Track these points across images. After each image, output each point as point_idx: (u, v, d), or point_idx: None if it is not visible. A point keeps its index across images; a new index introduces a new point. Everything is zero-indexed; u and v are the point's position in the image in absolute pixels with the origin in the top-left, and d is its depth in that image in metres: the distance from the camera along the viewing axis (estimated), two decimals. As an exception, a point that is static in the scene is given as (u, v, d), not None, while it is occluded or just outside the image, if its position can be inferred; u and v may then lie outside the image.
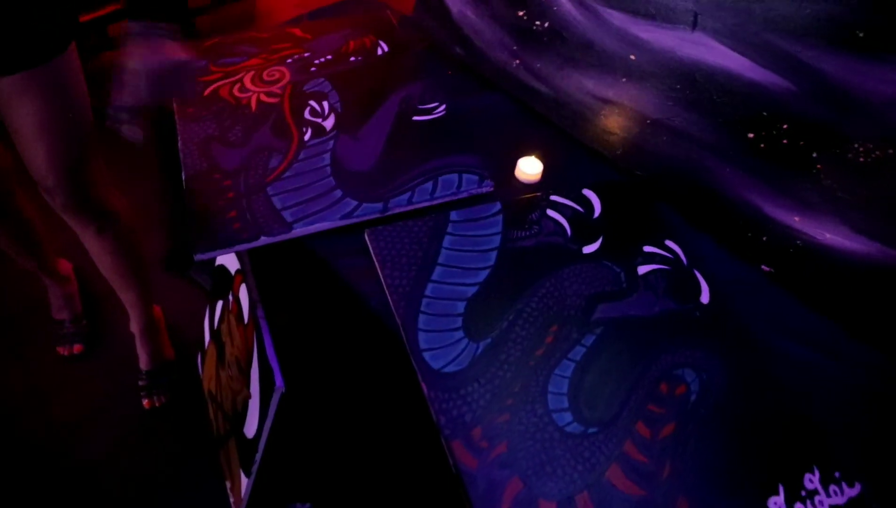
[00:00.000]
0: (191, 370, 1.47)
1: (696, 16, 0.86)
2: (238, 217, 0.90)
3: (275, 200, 0.92)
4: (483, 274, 0.85)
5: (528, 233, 0.90)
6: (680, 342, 0.82)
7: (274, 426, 0.99)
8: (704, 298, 0.87)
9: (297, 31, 1.22)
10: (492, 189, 0.96)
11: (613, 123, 1.00)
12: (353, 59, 1.16)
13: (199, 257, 0.87)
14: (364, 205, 0.92)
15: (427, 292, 0.83)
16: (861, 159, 0.80)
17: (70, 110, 0.98)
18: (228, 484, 1.30)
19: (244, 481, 1.17)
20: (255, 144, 1.00)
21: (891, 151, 0.77)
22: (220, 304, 1.29)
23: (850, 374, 0.85)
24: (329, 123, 1.03)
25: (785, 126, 0.84)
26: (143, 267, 1.31)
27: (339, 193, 0.93)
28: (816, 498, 0.73)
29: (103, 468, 1.33)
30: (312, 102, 1.06)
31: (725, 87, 0.88)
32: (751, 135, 0.88)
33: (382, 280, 0.84)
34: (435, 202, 0.94)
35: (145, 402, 1.46)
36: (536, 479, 0.70)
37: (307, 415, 1.02)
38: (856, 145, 0.80)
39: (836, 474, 0.74)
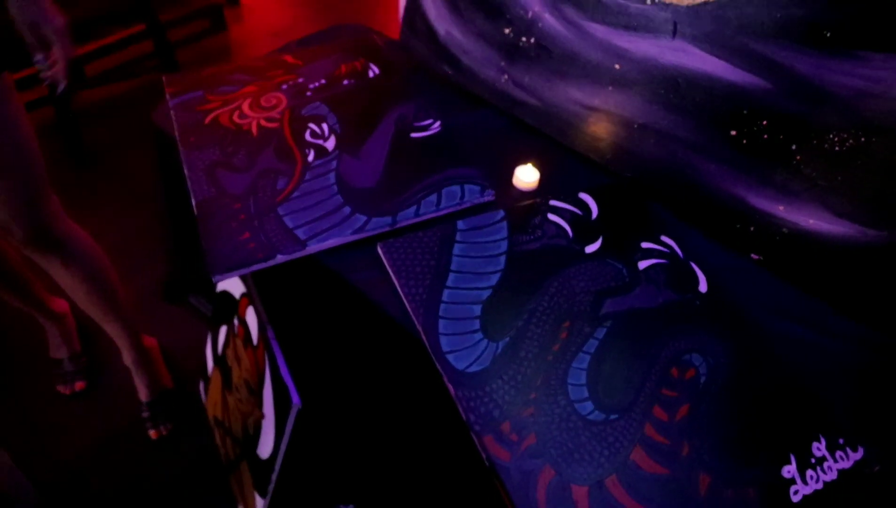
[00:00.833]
0: (193, 397, 1.48)
1: (675, 25, 0.93)
2: (252, 238, 0.93)
3: (286, 219, 0.95)
4: (495, 278, 0.90)
5: (532, 237, 0.95)
6: (685, 330, 0.87)
7: (294, 443, 1.01)
8: (702, 287, 0.93)
9: (289, 58, 1.26)
10: (493, 198, 1.01)
11: (602, 129, 1.06)
12: (346, 82, 1.21)
13: (217, 278, 0.89)
14: (373, 219, 0.96)
15: (444, 298, 0.87)
16: (837, 148, 0.86)
17: (9, 145, 1.02)
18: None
19: (259, 502, 1.19)
20: (261, 167, 1.03)
21: (863, 139, 0.84)
22: (223, 329, 1.30)
23: (840, 347, 0.91)
24: (330, 144, 1.07)
25: (764, 122, 0.91)
26: (118, 297, 1.32)
27: (347, 209, 0.97)
28: (825, 464, 0.78)
29: (116, 502, 1.33)
30: (312, 125, 1.10)
31: (707, 89, 0.94)
32: (733, 132, 0.94)
33: (399, 290, 0.88)
34: (441, 213, 0.98)
35: (151, 433, 1.47)
36: (566, 466, 0.74)
37: (328, 428, 1.05)
38: (831, 136, 0.86)
39: (840, 440, 0.80)
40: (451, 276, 0.89)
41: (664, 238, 0.98)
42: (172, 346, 1.57)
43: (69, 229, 1.19)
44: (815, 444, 0.79)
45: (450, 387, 0.79)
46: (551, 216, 0.98)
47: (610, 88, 1.03)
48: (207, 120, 1.11)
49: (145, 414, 1.46)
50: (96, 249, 1.25)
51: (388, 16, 2.83)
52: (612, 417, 0.78)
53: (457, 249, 0.92)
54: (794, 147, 0.90)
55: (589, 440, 0.76)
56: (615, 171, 1.07)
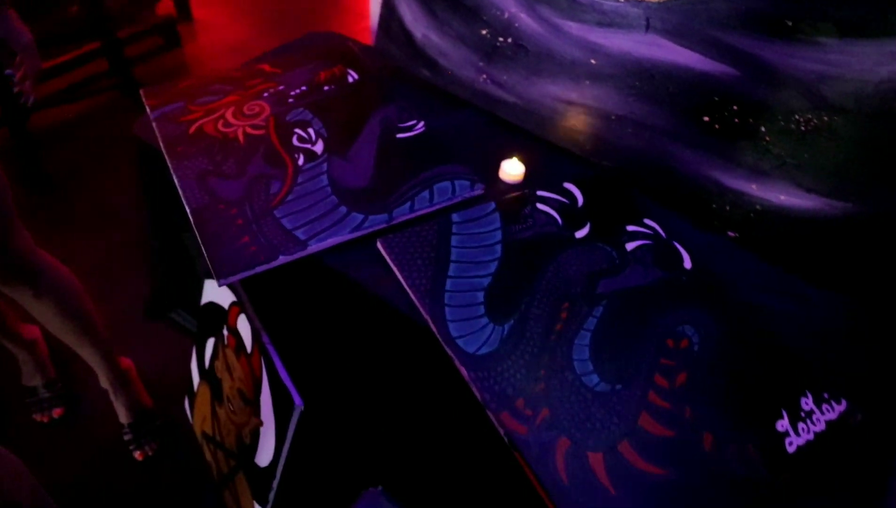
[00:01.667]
0: (178, 415, 1.45)
1: (647, 20, 0.99)
2: (252, 241, 0.94)
3: (284, 221, 0.97)
4: (493, 266, 0.93)
5: (524, 226, 0.99)
6: (675, 304, 0.93)
7: (297, 445, 1.01)
8: (687, 264, 0.98)
9: (266, 67, 1.28)
10: (483, 191, 1.05)
11: (580, 122, 1.11)
12: (326, 88, 1.23)
13: (222, 282, 0.90)
14: (370, 217, 0.98)
15: (448, 288, 0.90)
16: (802, 128, 0.93)
17: None
18: (237, 521, 1.29)
19: (259, 511, 1.18)
20: (252, 173, 1.04)
21: (825, 118, 0.91)
22: (210, 341, 1.30)
23: (815, 314, 0.97)
24: (319, 148, 1.09)
25: (735, 107, 0.97)
26: (93, 322, 1.30)
27: (344, 209, 0.99)
28: (814, 417, 0.84)
29: (108, 528, 1.30)
30: (298, 130, 1.12)
31: (679, 79, 1.00)
32: (706, 118, 1.00)
33: (403, 282, 0.90)
34: (434, 208, 1.01)
35: (137, 454, 1.44)
36: (581, 435, 0.78)
37: (333, 427, 1.06)
38: (796, 116, 0.93)
39: (825, 395, 0.86)
40: (452, 266, 0.92)
41: (647, 221, 1.03)
42: (154, 364, 1.55)
43: (40, 260, 1.17)
44: (802, 399, 0.85)
45: (463, 370, 0.82)
46: (540, 206, 1.02)
47: (587, 82, 1.08)
48: (192, 130, 1.11)
49: (128, 436, 1.44)
50: (69, 277, 1.23)
51: (346, 23, 2.85)
52: (618, 387, 0.82)
53: (454, 240, 0.96)
54: (763, 129, 0.96)
55: (599, 410, 0.80)
56: (595, 161, 1.12)
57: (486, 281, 0.91)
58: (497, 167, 1.08)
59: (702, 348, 0.88)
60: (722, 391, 0.85)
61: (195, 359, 1.37)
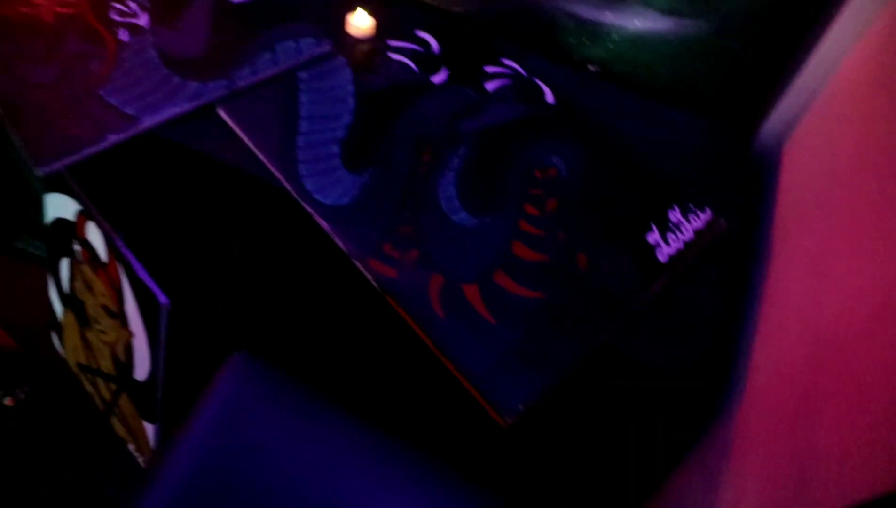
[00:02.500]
0: (48, 351, 1.34)
1: None
2: (75, 124, 0.83)
3: (110, 100, 0.86)
4: (347, 117, 0.88)
5: (377, 76, 0.93)
6: (540, 137, 0.91)
7: (172, 347, 0.95)
8: (549, 99, 0.96)
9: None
10: (331, 49, 0.97)
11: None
12: (146, -41, 1.09)
13: (44, 170, 0.80)
14: (208, 84, 0.89)
15: (299, 144, 0.84)
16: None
17: None
18: (132, 446, 1.24)
19: (149, 429, 1.12)
20: (67, 52, 0.92)
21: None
22: (65, 262, 1.19)
23: (678, 137, 0.98)
24: (143, 21, 0.98)
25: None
26: None
27: (177, 79, 0.90)
28: (682, 227, 0.85)
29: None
30: (116, 4, 0.99)
31: None
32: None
33: (251, 145, 0.83)
34: (280, 70, 0.93)
35: (7, 401, 1.33)
36: (453, 269, 0.75)
37: (207, 318, 1.00)
38: (641, -69, 0.90)
39: (690, 205, 0.87)
40: (303, 122, 0.86)
41: (506, 61, 1.00)
42: (9, 302, 1.41)
43: None
44: (669, 212, 0.86)
45: (322, 223, 0.77)
46: (393, 56, 0.97)
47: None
48: (-14, 15, 0.97)
49: (-7, 384, 1.32)
50: None
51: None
52: (487, 219, 0.80)
53: (303, 97, 0.89)
54: (609, -51, 0.93)
55: (470, 244, 0.78)
56: (445, 9, 1.07)
57: (340, 133, 0.86)
58: (343, 22, 1.01)
59: (569, 175, 0.87)
60: (592, 212, 0.84)
61: (53, 286, 1.26)
